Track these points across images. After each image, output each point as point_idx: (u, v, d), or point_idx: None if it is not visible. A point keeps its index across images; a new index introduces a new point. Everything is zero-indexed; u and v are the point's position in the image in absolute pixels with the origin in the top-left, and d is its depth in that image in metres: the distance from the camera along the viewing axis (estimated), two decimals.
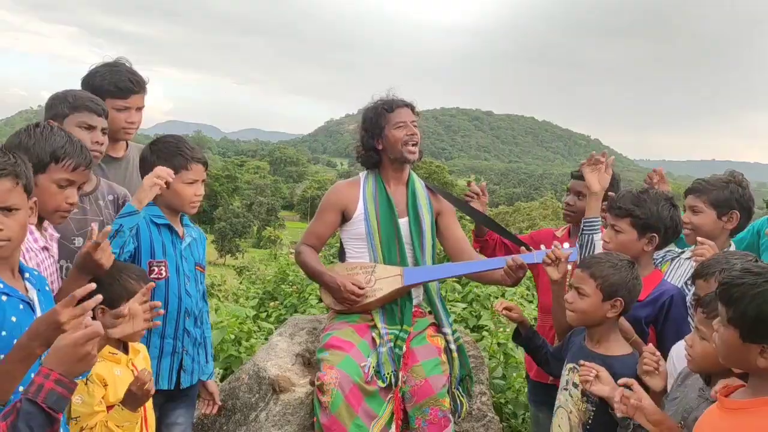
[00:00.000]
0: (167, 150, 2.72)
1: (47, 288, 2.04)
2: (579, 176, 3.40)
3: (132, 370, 2.38)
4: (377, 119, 3.29)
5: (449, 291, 6.16)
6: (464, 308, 5.87)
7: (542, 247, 3.05)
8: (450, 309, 5.57)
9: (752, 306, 1.64)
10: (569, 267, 3.01)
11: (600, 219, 3.03)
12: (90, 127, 2.67)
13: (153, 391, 2.31)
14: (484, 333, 4.99)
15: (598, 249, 2.92)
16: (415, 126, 3.29)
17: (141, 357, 2.49)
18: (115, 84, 3.04)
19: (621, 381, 2.26)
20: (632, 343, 2.59)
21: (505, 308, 2.89)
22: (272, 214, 65.09)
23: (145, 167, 2.73)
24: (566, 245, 3.01)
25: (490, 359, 4.44)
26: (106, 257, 2.29)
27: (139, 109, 3.16)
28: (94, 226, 2.41)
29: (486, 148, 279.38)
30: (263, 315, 6.44)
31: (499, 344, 4.62)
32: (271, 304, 7.06)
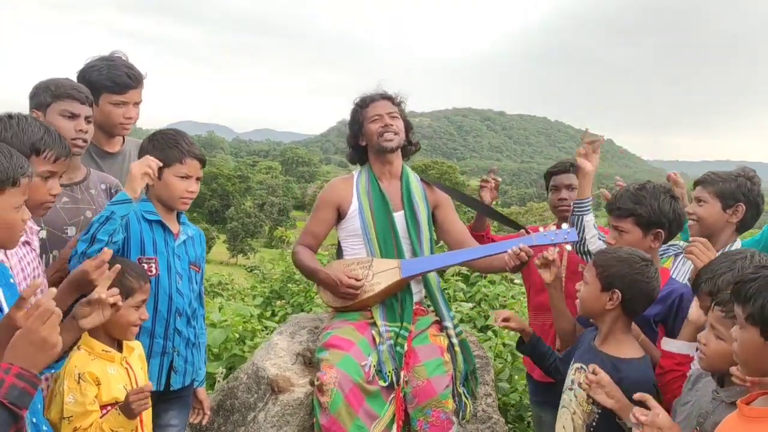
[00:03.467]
0: (164, 141, 2.68)
1: (11, 281, 2.00)
2: (563, 170, 3.39)
3: (126, 368, 2.33)
4: (355, 116, 3.36)
5: (456, 291, 6.08)
6: (472, 308, 5.79)
7: (541, 229, 3.02)
8: (457, 309, 5.51)
9: None
10: (568, 248, 3.01)
11: (591, 199, 2.99)
12: (73, 116, 2.62)
13: (148, 407, 2.26)
14: (490, 334, 4.91)
15: (589, 229, 2.92)
16: (392, 116, 3.30)
17: (136, 355, 2.44)
18: (112, 79, 3.01)
19: (636, 396, 2.15)
20: (640, 342, 2.51)
21: (503, 320, 2.79)
22: (284, 214, 65.17)
23: (142, 156, 2.67)
24: (564, 226, 2.99)
25: (495, 359, 4.37)
26: (102, 281, 2.19)
27: (137, 104, 3.13)
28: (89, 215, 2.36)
29: (498, 149, 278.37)
30: (267, 314, 6.38)
31: (505, 345, 4.54)
32: (278, 303, 7.00)
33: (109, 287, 2.09)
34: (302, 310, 6.40)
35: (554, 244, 2.95)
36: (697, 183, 2.88)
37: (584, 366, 2.45)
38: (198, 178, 2.73)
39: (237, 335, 4.94)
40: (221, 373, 4.42)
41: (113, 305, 2.05)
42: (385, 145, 3.26)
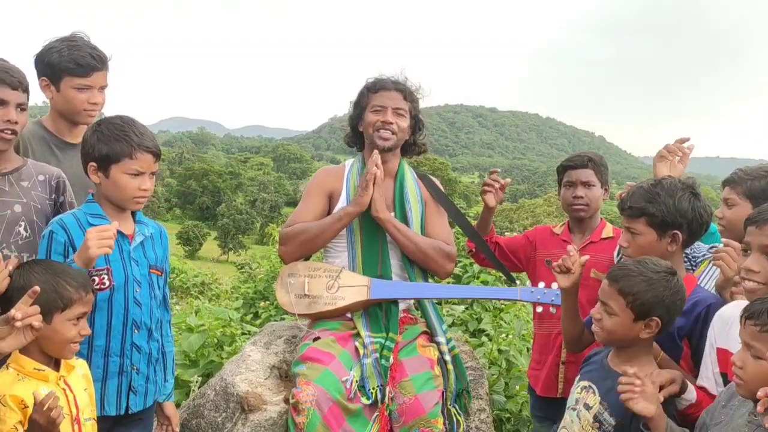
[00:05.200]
0: (110, 133, 2.32)
1: None
2: (581, 164, 3.10)
3: (64, 389, 2.02)
4: (360, 98, 3.04)
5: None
6: (464, 310, 5.50)
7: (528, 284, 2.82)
8: (448, 312, 5.22)
9: None
10: (552, 311, 2.81)
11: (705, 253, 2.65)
12: (2, 103, 2.33)
13: (61, 420, 1.91)
14: (484, 338, 4.62)
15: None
16: (397, 113, 2.99)
17: (79, 375, 2.11)
18: (74, 60, 2.73)
19: None
20: (660, 361, 2.22)
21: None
22: (275, 210, 64.76)
23: (85, 149, 2.35)
24: (554, 285, 2.74)
25: (489, 367, 4.07)
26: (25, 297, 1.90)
27: (102, 88, 2.85)
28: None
29: (490, 145, 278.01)
30: (248, 318, 6.06)
31: (500, 351, 4.24)
32: (262, 304, 6.70)
33: (43, 298, 1.79)
34: (287, 313, 6.10)
35: (540, 304, 2.84)
36: (725, 183, 2.57)
37: (592, 385, 2.17)
38: (153, 173, 2.38)
39: (215, 340, 4.67)
40: (196, 381, 4.15)
41: (32, 327, 1.75)
42: (378, 142, 2.97)
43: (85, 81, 2.76)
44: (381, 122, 2.96)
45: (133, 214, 2.46)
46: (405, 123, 3.02)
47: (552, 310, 2.82)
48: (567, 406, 2.30)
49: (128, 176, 2.32)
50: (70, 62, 2.73)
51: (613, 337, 2.18)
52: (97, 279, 2.25)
